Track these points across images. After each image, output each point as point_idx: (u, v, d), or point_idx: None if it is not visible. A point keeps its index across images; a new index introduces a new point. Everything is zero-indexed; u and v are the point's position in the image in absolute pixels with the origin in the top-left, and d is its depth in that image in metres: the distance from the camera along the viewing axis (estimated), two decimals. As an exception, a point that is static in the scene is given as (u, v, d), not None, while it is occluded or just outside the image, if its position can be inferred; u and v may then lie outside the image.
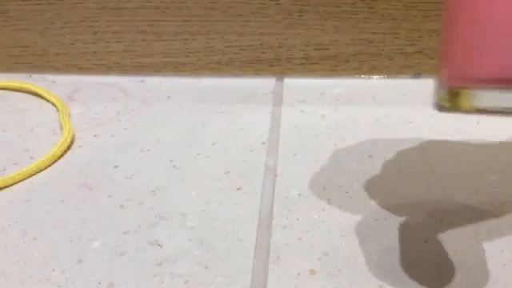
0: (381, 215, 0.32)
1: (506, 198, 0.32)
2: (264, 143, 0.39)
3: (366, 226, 0.31)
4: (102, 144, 0.39)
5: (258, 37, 0.45)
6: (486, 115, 0.21)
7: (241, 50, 0.46)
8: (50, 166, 0.37)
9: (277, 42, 0.46)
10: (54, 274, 0.28)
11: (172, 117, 0.42)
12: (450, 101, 0.22)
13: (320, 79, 0.46)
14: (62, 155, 0.38)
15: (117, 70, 0.48)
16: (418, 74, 0.46)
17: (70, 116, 0.42)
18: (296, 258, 0.29)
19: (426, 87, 0.45)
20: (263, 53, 0.46)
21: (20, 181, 0.36)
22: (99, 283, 0.28)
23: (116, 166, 0.37)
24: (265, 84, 0.46)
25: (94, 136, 0.40)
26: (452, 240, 0.30)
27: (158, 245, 0.30)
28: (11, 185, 0.35)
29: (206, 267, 0.29)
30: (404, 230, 0.30)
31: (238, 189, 0.34)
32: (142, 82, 0.47)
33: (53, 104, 0.44)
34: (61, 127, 0.41)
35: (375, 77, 0.46)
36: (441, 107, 0.23)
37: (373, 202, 0.33)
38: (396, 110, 0.42)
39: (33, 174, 0.36)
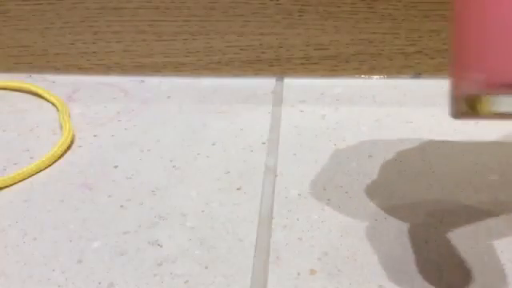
0: (381, 215, 0.32)
1: (506, 198, 0.32)
2: (264, 143, 0.39)
3: (366, 225, 0.31)
4: (102, 144, 0.39)
5: (258, 37, 0.45)
6: (505, 120, 0.21)
7: (241, 50, 0.46)
8: (49, 166, 0.37)
9: (277, 42, 0.46)
10: (54, 274, 0.28)
11: (172, 117, 0.42)
12: (470, 107, 0.22)
13: (320, 79, 0.46)
14: (62, 155, 0.38)
15: (117, 70, 0.48)
16: (418, 74, 0.46)
17: (69, 116, 0.42)
18: (296, 257, 0.29)
19: (426, 87, 0.45)
20: (263, 53, 0.46)
21: (20, 181, 0.36)
22: (99, 283, 0.28)
23: (116, 166, 0.37)
24: (265, 84, 0.46)
25: (94, 136, 0.40)
26: (452, 240, 0.30)
27: (158, 245, 0.30)
28: (11, 185, 0.35)
29: (206, 267, 0.29)
30: (404, 230, 0.30)
31: (238, 189, 0.34)
32: (142, 82, 0.47)
33: (53, 104, 0.44)
34: (61, 127, 0.41)
35: (375, 77, 0.46)
36: (460, 114, 0.22)
37: (373, 202, 0.33)
38: (396, 110, 0.42)
39: (33, 174, 0.36)
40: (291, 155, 0.37)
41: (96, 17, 0.46)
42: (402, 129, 0.40)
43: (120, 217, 0.32)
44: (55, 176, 0.36)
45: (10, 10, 0.46)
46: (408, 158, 0.36)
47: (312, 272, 0.28)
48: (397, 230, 0.30)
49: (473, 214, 0.31)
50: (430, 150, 0.37)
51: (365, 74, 0.46)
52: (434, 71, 0.46)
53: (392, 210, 0.32)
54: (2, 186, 0.35)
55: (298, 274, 0.28)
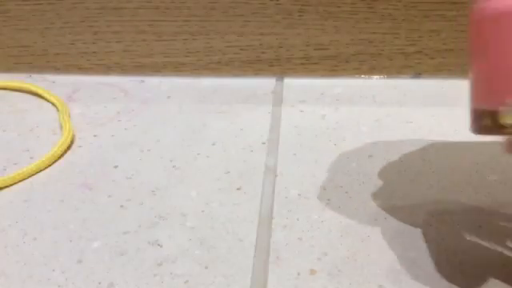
0: (381, 215, 0.32)
1: (506, 198, 0.32)
2: (264, 143, 0.39)
3: (366, 225, 0.31)
4: (102, 144, 0.39)
5: (258, 37, 0.45)
6: None
7: (241, 50, 0.46)
8: (49, 166, 0.37)
9: (277, 42, 0.46)
10: (54, 274, 0.28)
11: (172, 117, 0.42)
12: (493, 122, 0.23)
13: (320, 79, 0.46)
14: (62, 155, 0.38)
15: (117, 70, 0.48)
16: (417, 74, 0.46)
17: (69, 116, 0.42)
18: (296, 257, 0.29)
19: (426, 87, 0.45)
20: (263, 53, 0.46)
21: (20, 181, 0.36)
22: (99, 283, 0.28)
23: (116, 166, 0.37)
24: (265, 84, 0.46)
25: (94, 136, 0.40)
26: (452, 240, 0.30)
27: (158, 245, 0.30)
28: (11, 185, 0.35)
29: (206, 267, 0.29)
30: (404, 230, 0.30)
31: (237, 189, 0.34)
32: (142, 82, 0.47)
33: (53, 104, 0.44)
34: (61, 127, 0.41)
35: (375, 77, 0.46)
36: (483, 129, 0.23)
37: (373, 202, 0.33)
38: (396, 110, 0.42)
39: (33, 174, 0.36)
40: (291, 155, 0.37)
41: (96, 17, 0.46)
42: (402, 129, 0.40)
43: (120, 217, 0.32)
44: (55, 176, 0.36)
45: (10, 10, 0.46)
46: (408, 158, 0.36)
47: (312, 272, 0.28)
48: (397, 230, 0.30)
49: (473, 214, 0.31)
50: (430, 150, 0.37)
51: (365, 74, 0.46)
52: (434, 71, 0.46)
53: (392, 210, 0.32)
54: (2, 186, 0.35)
55: (298, 273, 0.28)
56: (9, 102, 0.45)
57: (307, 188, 0.34)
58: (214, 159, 0.37)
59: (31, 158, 0.38)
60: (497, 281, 0.27)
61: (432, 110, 0.41)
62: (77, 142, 0.39)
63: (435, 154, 0.37)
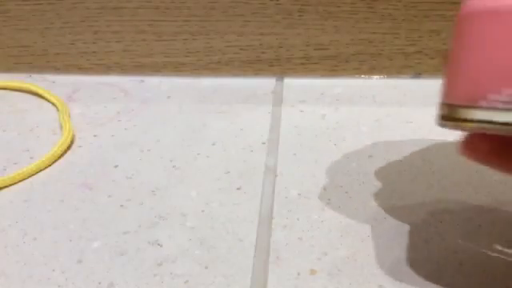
0: (381, 215, 0.32)
1: (506, 197, 0.32)
2: (264, 143, 0.39)
3: (366, 225, 0.31)
4: (102, 144, 0.39)
5: (258, 37, 0.45)
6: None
7: (241, 49, 0.46)
8: (49, 165, 0.37)
9: (277, 41, 0.46)
10: (54, 274, 0.28)
11: (172, 117, 0.42)
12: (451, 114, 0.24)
13: (320, 79, 0.46)
14: (62, 155, 0.38)
15: (117, 70, 0.48)
16: (418, 74, 0.46)
17: (69, 116, 0.42)
18: (296, 257, 0.29)
19: (426, 87, 0.45)
20: (263, 53, 0.46)
21: (20, 181, 0.36)
22: (99, 283, 0.28)
23: (116, 166, 0.37)
24: (265, 84, 0.46)
25: (94, 136, 0.40)
26: (452, 240, 0.30)
27: (158, 245, 0.30)
28: (11, 185, 0.35)
29: (206, 267, 0.29)
30: (404, 230, 0.30)
31: (238, 189, 0.34)
32: (142, 81, 0.47)
33: (53, 104, 0.44)
34: (61, 127, 0.41)
35: (375, 77, 0.46)
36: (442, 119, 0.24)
37: (373, 202, 0.33)
38: (396, 110, 0.42)
39: (33, 174, 0.36)
40: (291, 155, 0.37)
41: (96, 17, 0.46)
42: (402, 129, 0.40)
43: (120, 217, 0.32)
44: (55, 176, 0.36)
45: (10, 10, 0.46)
46: (408, 157, 0.36)
47: (312, 272, 0.28)
48: (397, 229, 0.30)
49: (473, 214, 0.31)
50: (430, 150, 0.37)
51: (365, 73, 0.46)
52: (434, 71, 0.46)
53: (392, 210, 0.32)
54: (2, 185, 0.35)
55: (298, 273, 0.28)
56: (9, 101, 0.45)
57: (307, 188, 0.34)
58: (214, 159, 0.37)
59: (31, 157, 0.38)
60: (497, 281, 0.27)
61: (432, 110, 0.41)
62: (77, 142, 0.39)
63: (435, 153, 0.37)
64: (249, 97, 0.44)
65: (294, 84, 0.46)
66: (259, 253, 0.29)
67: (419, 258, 0.28)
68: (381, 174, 0.35)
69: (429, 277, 0.27)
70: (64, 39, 0.47)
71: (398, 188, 0.34)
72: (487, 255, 0.29)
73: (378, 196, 0.33)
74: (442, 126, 0.25)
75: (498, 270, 0.28)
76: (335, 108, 0.43)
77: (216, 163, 0.37)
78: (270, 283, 0.28)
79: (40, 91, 0.45)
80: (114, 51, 0.47)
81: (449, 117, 0.24)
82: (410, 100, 0.43)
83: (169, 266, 0.29)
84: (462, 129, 0.24)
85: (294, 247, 0.30)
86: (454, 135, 0.26)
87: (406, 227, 0.31)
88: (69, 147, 0.39)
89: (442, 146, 0.37)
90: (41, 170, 0.36)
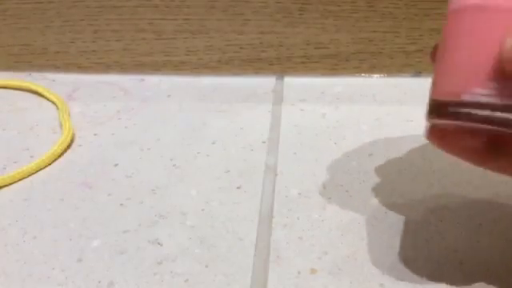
0: (381, 214, 0.32)
1: (506, 196, 0.32)
2: (264, 142, 0.38)
3: (367, 224, 0.31)
4: (101, 143, 0.39)
5: (258, 35, 0.45)
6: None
7: (241, 48, 0.46)
8: (49, 164, 0.37)
9: (277, 40, 0.45)
10: (54, 273, 0.28)
11: (172, 115, 0.42)
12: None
13: (320, 78, 0.46)
14: (61, 154, 0.38)
15: (116, 69, 0.48)
16: (418, 73, 0.46)
17: (69, 115, 0.42)
18: (296, 256, 0.29)
19: (426, 86, 0.45)
20: (263, 51, 0.46)
21: (20, 179, 0.35)
22: (99, 282, 0.28)
23: (116, 165, 0.37)
24: (265, 83, 0.46)
25: (94, 135, 0.40)
26: (452, 239, 0.30)
27: (158, 243, 0.30)
28: (11, 183, 0.35)
29: (206, 266, 0.29)
30: (404, 229, 0.30)
31: (238, 188, 0.34)
32: (142, 80, 0.47)
33: (53, 102, 0.44)
34: (61, 126, 0.41)
35: (375, 75, 0.46)
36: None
37: (373, 201, 0.33)
38: (396, 109, 0.42)
39: (33, 173, 0.36)
40: (291, 154, 0.37)
41: (96, 15, 0.46)
42: (402, 127, 0.39)
43: (120, 215, 0.32)
44: (55, 175, 0.36)
45: (9, 9, 0.46)
46: (408, 156, 0.36)
47: (312, 271, 0.28)
48: (397, 228, 0.30)
49: (473, 213, 0.31)
50: (431, 149, 0.37)
51: (365, 72, 0.46)
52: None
53: (392, 209, 0.32)
54: (2, 184, 0.35)
55: (299, 272, 0.28)
56: (9, 100, 0.45)
57: (307, 187, 0.34)
58: (214, 158, 0.37)
59: (31, 156, 0.38)
60: (497, 280, 0.27)
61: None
62: (77, 141, 0.39)
63: (436, 152, 0.37)
64: (249, 96, 0.44)
65: (295, 83, 0.46)
66: (259, 252, 0.29)
67: (420, 257, 0.28)
68: (381, 172, 0.35)
69: (429, 276, 0.27)
70: (64, 38, 0.47)
71: (399, 187, 0.34)
72: (488, 254, 0.29)
73: (378, 195, 0.33)
74: (430, 122, 0.26)
75: (499, 269, 0.28)
76: (335, 107, 0.42)
77: (216, 162, 0.37)
78: (270, 282, 0.27)
79: (40, 90, 0.45)
80: (113, 50, 0.47)
81: (434, 112, 0.25)
82: (411, 99, 0.43)
83: (169, 264, 0.29)
84: (447, 125, 0.24)
85: (294, 246, 0.30)
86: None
87: (407, 226, 0.31)
88: (69, 146, 0.38)
89: (442, 145, 0.37)
90: (41, 169, 0.36)
